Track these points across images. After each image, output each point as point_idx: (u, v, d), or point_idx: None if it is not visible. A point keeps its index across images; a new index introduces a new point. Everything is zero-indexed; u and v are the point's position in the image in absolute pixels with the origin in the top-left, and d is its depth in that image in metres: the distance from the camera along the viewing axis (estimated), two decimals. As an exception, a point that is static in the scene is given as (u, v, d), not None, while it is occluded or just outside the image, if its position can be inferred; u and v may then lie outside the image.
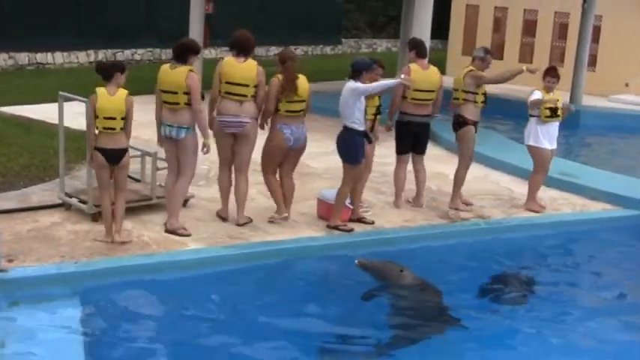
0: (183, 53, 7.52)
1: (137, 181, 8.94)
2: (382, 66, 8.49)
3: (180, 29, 14.93)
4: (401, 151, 9.14)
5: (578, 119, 16.29)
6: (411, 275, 6.97)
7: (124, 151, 7.21)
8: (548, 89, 9.23)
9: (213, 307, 6.51)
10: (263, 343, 5.97)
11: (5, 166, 9.59)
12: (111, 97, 7.06)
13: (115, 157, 7.15)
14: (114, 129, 7.09)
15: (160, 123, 7.56)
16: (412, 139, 9.05)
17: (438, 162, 10.71)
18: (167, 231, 7.63)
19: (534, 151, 9.36)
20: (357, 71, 7.88)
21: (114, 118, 7.06)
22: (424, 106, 8.95)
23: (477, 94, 8.98)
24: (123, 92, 7.13)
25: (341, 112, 8.01)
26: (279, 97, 7.83)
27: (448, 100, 9.26)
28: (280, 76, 7.85)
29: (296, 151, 8.11)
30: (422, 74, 8.82)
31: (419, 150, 9.17)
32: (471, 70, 9.00)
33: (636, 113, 17.45)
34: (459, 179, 9.25)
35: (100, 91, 7.08)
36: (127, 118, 7.14)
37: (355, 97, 7.84)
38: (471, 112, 9.05)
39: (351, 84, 7.87)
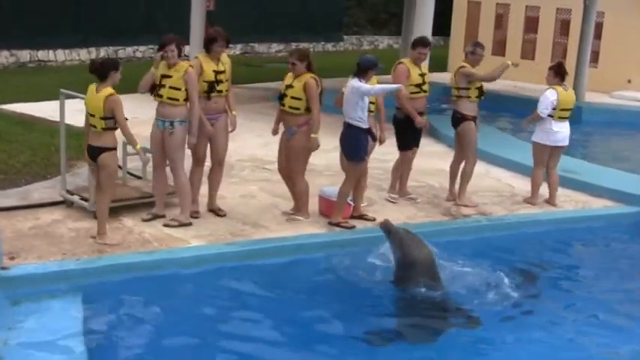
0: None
1: (138, 178, 8.94)
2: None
3: (182, 26, 14.92)
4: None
5: (580, 116, 16.28)
6: (431, 257, 6.99)
7: (97, 148, 7.18)
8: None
9: (214, 305, 6.51)
10: (265, 341, 5.97)
11: (6, 163, 9.59)
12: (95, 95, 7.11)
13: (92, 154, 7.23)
14: (94, 126, 7.13)
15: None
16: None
17: (441, 159, 10.69)
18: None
19: None
20: (364, 70, 7.88)
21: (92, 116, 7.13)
22: None
23: (469, 89, 9.06)
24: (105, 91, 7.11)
25: (343, 110, 8.02)
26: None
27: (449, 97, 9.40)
28: (315, 77, 7.95)
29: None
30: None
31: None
32: (462, 67, 9.11)
33: (638, 110, 17.42)
34: (466, 175, 9.27)
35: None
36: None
37: (358, 97, 7.85)
38: (466, 107, 9.14)
39: (355, 82, 7.87)
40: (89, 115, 7.13)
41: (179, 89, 7.59)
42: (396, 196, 9.24)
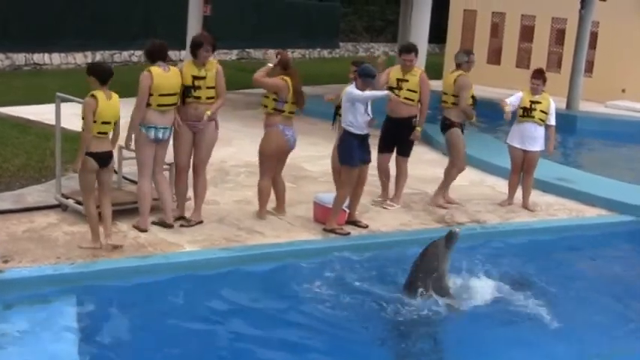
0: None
1: (133, 182, 8.93)
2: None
3: (178, 31, 14.95)
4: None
5: (575, 125, 16.36)
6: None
7: (111, 153, 7.23)
8: (532, 91, 9.48)
9: (209, 310, 6.51)
10: (259, 346, 5.96)
11: (1, 166, 9.58)
12: (109, 102, 7.04)
13: (107, 159, 7.13)
14: (106, 133, 7.09)
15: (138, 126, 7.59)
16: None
17: (435, 166, 10.70)
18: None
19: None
20: (358, 76, 7.96)
21: (109, 123, 7.06)
22: None
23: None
24: (116, 96, 7.11)
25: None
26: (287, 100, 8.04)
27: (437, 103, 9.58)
28: (288, 79, 8.00)
29: (289, 152, 8.30)
30: None
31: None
32: (463, 75, 9.22)
33: (632, 119, 17.49)
34: (448, 177, 9.50)
35: (99, 94, 7.03)
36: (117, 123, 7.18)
37: (349, 102, 7.92)
38: (458, 114, 9.30)
39: (349, 88, 7.94)
40: (103, 123, 7.02)
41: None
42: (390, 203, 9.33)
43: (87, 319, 5.99)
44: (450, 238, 6.91)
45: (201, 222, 8.08)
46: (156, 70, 7.53)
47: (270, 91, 8.07)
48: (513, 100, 9.47)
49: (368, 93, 8.04)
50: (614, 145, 15.57)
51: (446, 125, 9.35)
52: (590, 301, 7.31)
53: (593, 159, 14.56)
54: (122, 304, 6.40)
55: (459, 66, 9.32)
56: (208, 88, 7.81)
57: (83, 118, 6.97)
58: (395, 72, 9.10)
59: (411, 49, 9.18)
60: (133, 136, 7.66)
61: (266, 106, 8.14)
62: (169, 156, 7.99)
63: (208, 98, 7.82)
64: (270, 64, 8.05)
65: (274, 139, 8.17)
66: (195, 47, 7.77)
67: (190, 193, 8.20)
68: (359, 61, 8.43)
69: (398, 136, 9.17)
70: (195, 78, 7.76)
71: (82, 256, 6.95)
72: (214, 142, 8.08)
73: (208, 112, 7.78)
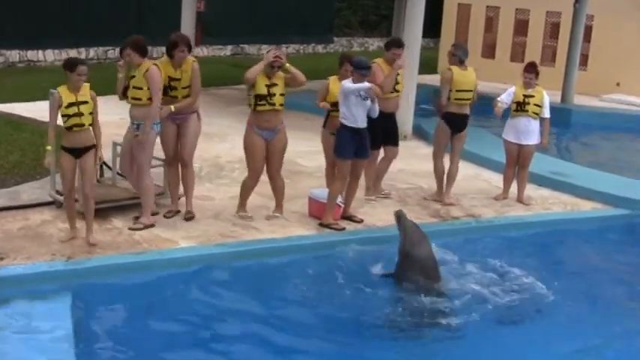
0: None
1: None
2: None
3: (172, 27, 14.90)
4: None
5: (569, 118, 16.37)
6: (428, 251, 7.14)
7: None
8: (525, 85, 9.49)
9: (204, 306, 6.52)
10: (255, 342, 5.97)
11: (-5, 163, 9.56)
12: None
13: None
14: None
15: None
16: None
17: (429, 160, 10.70)
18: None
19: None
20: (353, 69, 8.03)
21: None
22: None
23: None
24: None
25: None
26: None
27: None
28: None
29: None
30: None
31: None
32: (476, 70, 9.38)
33: (627, 113, 17.50)
34: (455, 175, 9.56)
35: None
36: None
37: (343, 95, 7.98)
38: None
39: (343, 82, 8.00)
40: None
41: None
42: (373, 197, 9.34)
43: (82, 315, 6.00)
44: (402, 216, 7.42)
45: (193, 216, 8.10)
46: (158, 63, 7.61)
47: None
48: (505, 97, 9.47)
49: (355, 85, 8.03)
50: (609, 138, 15.58)
51: (466, 123, 9.40)
52: (586, 294, 7.34)
53: (588, 153, 14.57)
54: (117, 301, 6.41)
55: (462, 61, 9.31)
56: (184, 88, 7.90)
57: (90, 114, 7.15)
58: (386, 68, 9.03)
59: (401, 43, 9.19)
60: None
61: (283, 105, 8.09)
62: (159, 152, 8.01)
63: (184, 97, 7.91)
64: (287, 64, 8.01)
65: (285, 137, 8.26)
66: (170, 47, 7.83)
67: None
68: (350, 56, 8.43)
69: (387, 129, 9.15)
70: (171, 79, 7.84)
71: (77, 252, 6.95)
72: (198, 133, 8.14)
73: (172, 107, 7.78)
